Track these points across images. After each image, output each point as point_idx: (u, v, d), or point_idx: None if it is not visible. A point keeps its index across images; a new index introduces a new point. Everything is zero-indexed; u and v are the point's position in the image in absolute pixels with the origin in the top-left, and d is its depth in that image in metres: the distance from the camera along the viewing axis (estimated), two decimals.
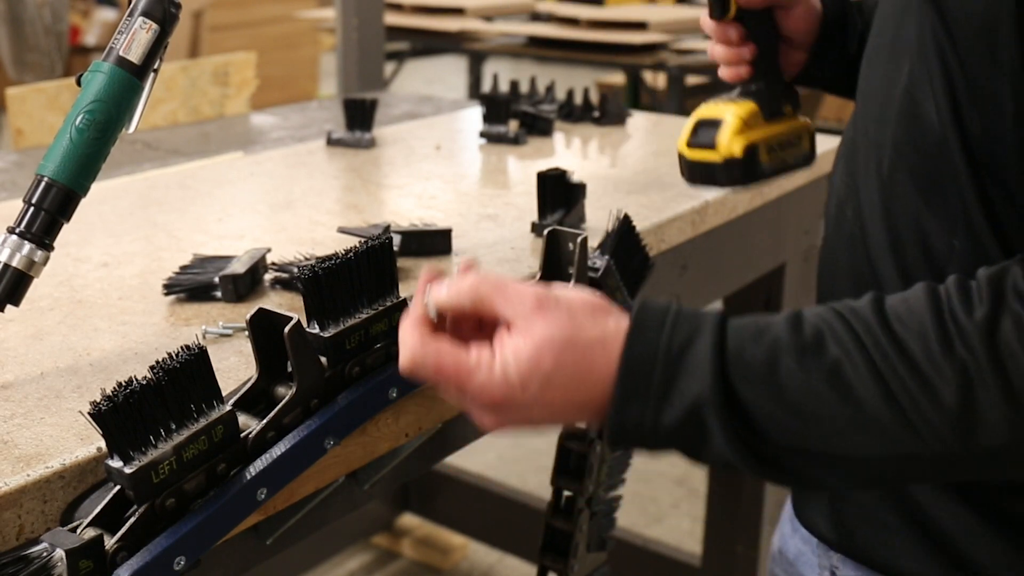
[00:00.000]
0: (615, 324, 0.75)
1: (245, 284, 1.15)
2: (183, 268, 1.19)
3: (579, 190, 1.39)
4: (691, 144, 1.13)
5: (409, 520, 2.78)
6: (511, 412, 0.75)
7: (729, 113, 1.10)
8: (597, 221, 1.40)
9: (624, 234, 1.21)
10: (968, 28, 0.77)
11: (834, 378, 0.69)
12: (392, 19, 4.35)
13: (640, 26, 4.23)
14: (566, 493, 1.28)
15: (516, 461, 3.20)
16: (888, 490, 0.85)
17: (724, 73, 1.14)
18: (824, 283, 1.00)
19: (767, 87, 1.13)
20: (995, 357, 0.67)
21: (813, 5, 1.13)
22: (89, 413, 0.72)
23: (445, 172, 1.71)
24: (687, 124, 1.14)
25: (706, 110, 1.13)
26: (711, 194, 1.57)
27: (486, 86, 2.18)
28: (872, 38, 0.94)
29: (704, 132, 1.11)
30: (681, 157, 1.15)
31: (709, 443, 0.71)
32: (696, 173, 1.14)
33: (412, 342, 0.77)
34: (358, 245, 0.90)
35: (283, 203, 1.52)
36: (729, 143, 1.09)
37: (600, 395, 0.74)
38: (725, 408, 0.70)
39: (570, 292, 0.77)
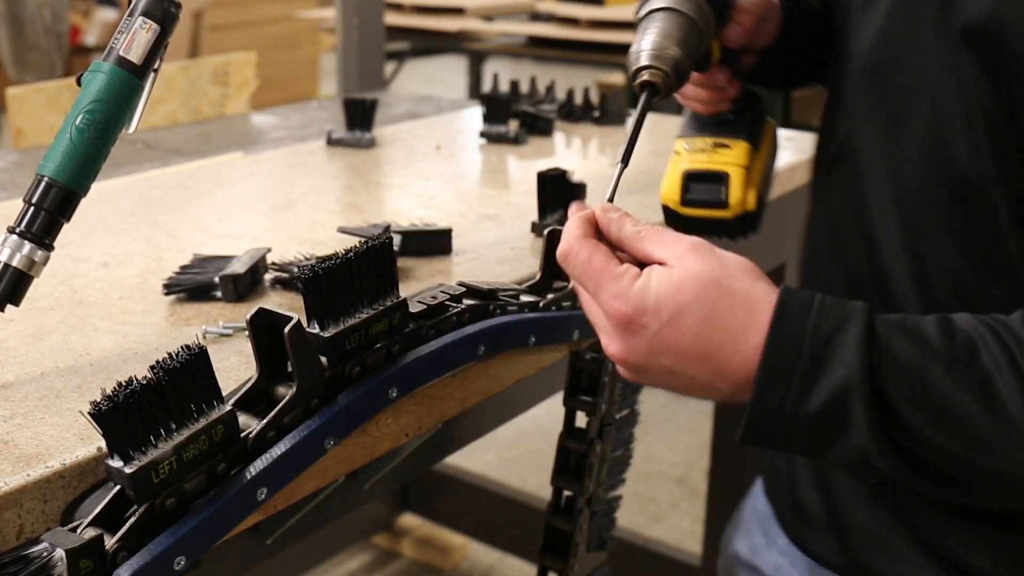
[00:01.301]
0: (765, 290, 0.74)
1: (245, 284, 1.15)
2: (183, 268, 1.19)
3: (579, 190, 1.39)
4: (688, 203, 1.02)
5: (409, 520, 2.78)
6: (637, 338, 0.73)
7: (729, 165, 1.00)
8: None
9: None
10: None
11: (983, 389, 0.69)
12: (392, 19, 4.35)
13: None
14: (566, 493, 1.28)
15: (516, 461, 3.20)
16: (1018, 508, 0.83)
17: (703, 110, 1.05)
18: None
19: (744, 111, 1.05)
20: None
21: (776, 10, 1.05)
22: (89, 413, 0.72)
23: (445, 172, 1.71)
24: (672, 177, 1.03)
25: (693, 160, 1.02)
26: None
27: (486, 86, 2.18)
28: (855, 58, 0.90)
29: (703, 188, 1.01)
30: (674, 214, 1.04)
31: (849, 432, 0.70)
32: (698, 229, 1.03)
33: (575, 233, 0.77)
34: (358, 245, 0.90)
35: (283, 203, 1.52)
36: (743, 200, 1.00)
37: (733, 357, 0.73)
38: (872, 397, 0.69)
39: (727, 251, 0.76)
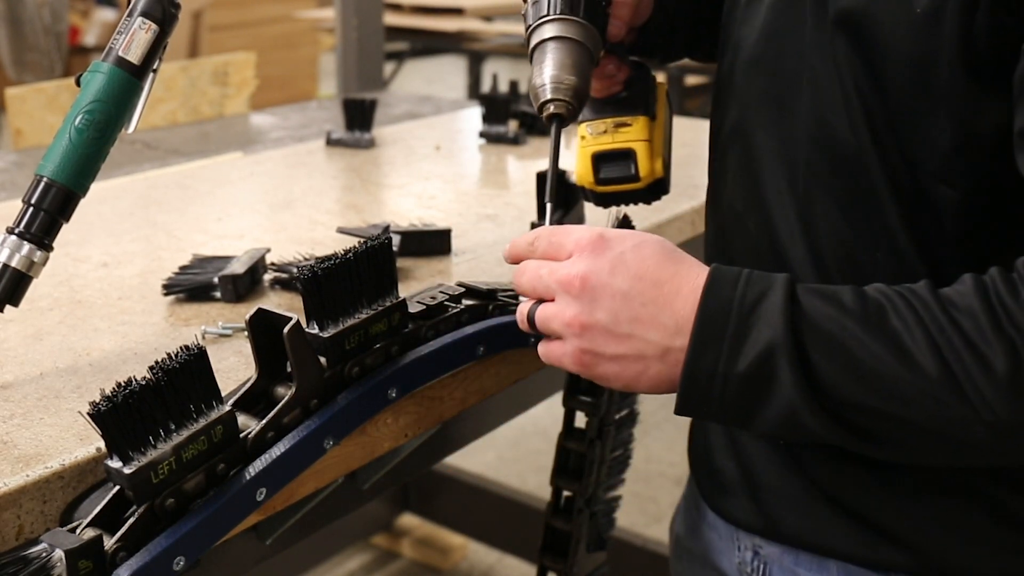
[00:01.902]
0: (698, 263, 0.82)
1: (244, 284, 1.15)
2: (183, 268, 1.19)
3: (578, 190, 1.39)
4: (602, 182, 1.08)
5: (409, 520, 2.78)
6: (600, 257, 0.80)
7: (633, 141, 1.07)
8: (596, 221, 1.40)
9: None
10: (896, 63, 0.80)
11: (896, 345, 0.74)
12: (391, 19, 4.35)
13: None
14: (565, 493, 1.28)
15: (515, 461, 3.20)
16: (940, 465, 0.87)
17: (599, 95, 1.09)
18: None
19: (634, 85, 1.09)
20: None
21: None
22: (88, 413, 0.72)
23: (445, 172, 1.71)
24: (583, 161, 1.09)
25: (598, 143, 1.08)
26: None
27: (485, 86, 2.18)
28: (743, 49, 0.94)
29: (614, 167, 1.07)
30: (591, 193, 1.11)
31: (777, 391, 0.76)
32: (614, 202, 1.11)
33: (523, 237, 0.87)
34: (358, 245, 0.90)
35: (283, 203, 1.52)
36: (651, 170, 1.07)
37: (683, 288, 0.79)
38: (795, 354, 0.75)
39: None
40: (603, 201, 1.12)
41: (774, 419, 0.77)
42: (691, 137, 1.99)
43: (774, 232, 0.92)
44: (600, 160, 1.08)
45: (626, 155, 1.07)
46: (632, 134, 1.07)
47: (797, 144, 0.88)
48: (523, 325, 0.86)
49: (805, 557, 0.95)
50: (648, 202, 1.10)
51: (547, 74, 0.94)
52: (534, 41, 0.96)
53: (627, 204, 1.11)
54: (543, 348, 0.85)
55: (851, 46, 0.82)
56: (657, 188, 1.09)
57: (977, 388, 0.73)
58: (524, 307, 0.86)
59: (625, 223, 1.21)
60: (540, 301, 0.84)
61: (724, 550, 1.04)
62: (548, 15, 0.96)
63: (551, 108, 0.94)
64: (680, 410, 0.81)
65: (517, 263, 0.88)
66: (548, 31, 0.96)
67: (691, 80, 4.45)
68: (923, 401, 0.74)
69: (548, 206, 0.94)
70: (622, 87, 1.09)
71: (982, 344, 0.73)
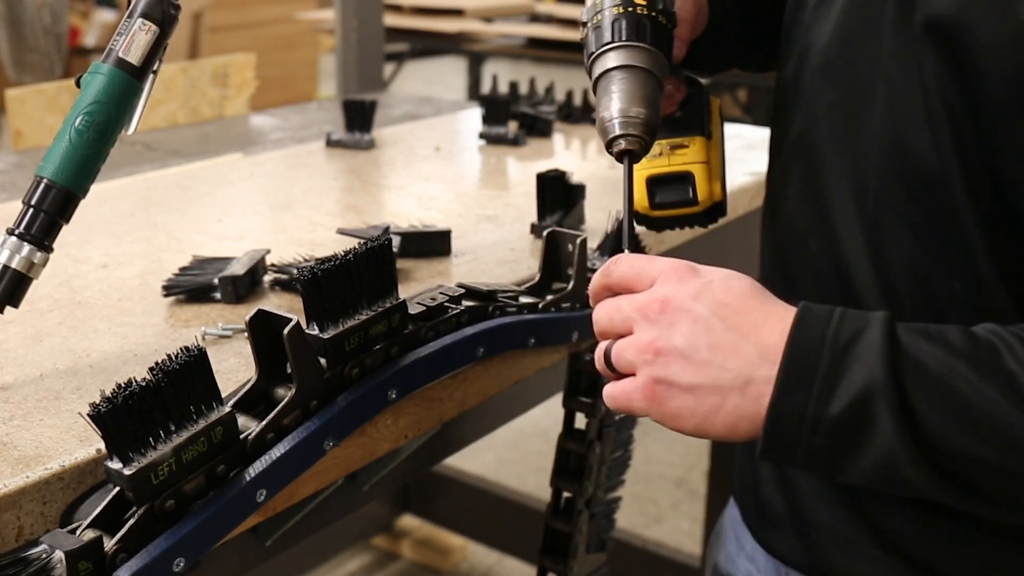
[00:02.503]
0: (780, 303, 0.75)
1: (244, 285, 1.14)
2: (182, 269, 1.19)
3: (578, 191, 1.39)
4: (657, 206, 1.03)
5: (409, 521, 2.78)
6: (687, 283, 0.74)
7: (690, 164, 1.02)
8: (596, 222, 1.40)
9: (623, 235, 1.20)
10: (994, 77, 0.73)
11: (1011, 390, 0.68)
12: (391, 20, 4.34)
13: None
14: (565, 494, 1.28)
15: (515, 462, 3.20)
16: None
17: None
18: None
19: (690, 104, 1.05)
20: None
21: (703, 5, 1.04)
22: (88, 415, 0.72)
23: (445, 173, 1.71)
24: (637, 185, 1.02)
25: (653, 166, 1.02)
26: None
27: (485, 87, 2.18)
28: (813, 54, 0.89)
29: (670, 190, 1.02)
30: (645, 218, 1.05)
31: (874, 438, 0.69)
32: (668, 226, 1.06)
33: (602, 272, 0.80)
34: (357, 247, 0.90)
35: (283, 204, 1.52)
36: (710, 193, 1.02)
37: (770, 319, 0.73)
38: (896, 397, 0.68)
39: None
40: (657, 226, 1.06)
41: (869, 469, 0.70)
42: None
43: (839, 255, 0.85)
44: (655, 184, 1.02)
45: (683, 178, 1.02)
46: (689, 156, 1.02)
47: (868, 160, 0.82)
48: (600, 366, 0.78)
49: None
50: (704, 225, 1.05)
51: (615, 107, 0.87)
52: (598, 71, 0.90)
53: (682, 228, 1.06)
54: (609, 389, 0.77)
55: (940, 58, 0.75)
56: (715, 211, 1.04)
57: None
58: (602, 345, 0.78)
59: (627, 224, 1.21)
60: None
61: None
62: (612, 42, 0.89)
63: (622, 144, 0.87)
64: (764, 454, 0.73)
65: (595, 297, 0.82)
66: (613, 60, 0.89)
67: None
68: None
69: (625, 251, 0.84)
70: (677, 107, 1.04)
71: None
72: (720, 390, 0.73)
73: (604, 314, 0.78)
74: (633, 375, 0.76)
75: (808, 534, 0.94)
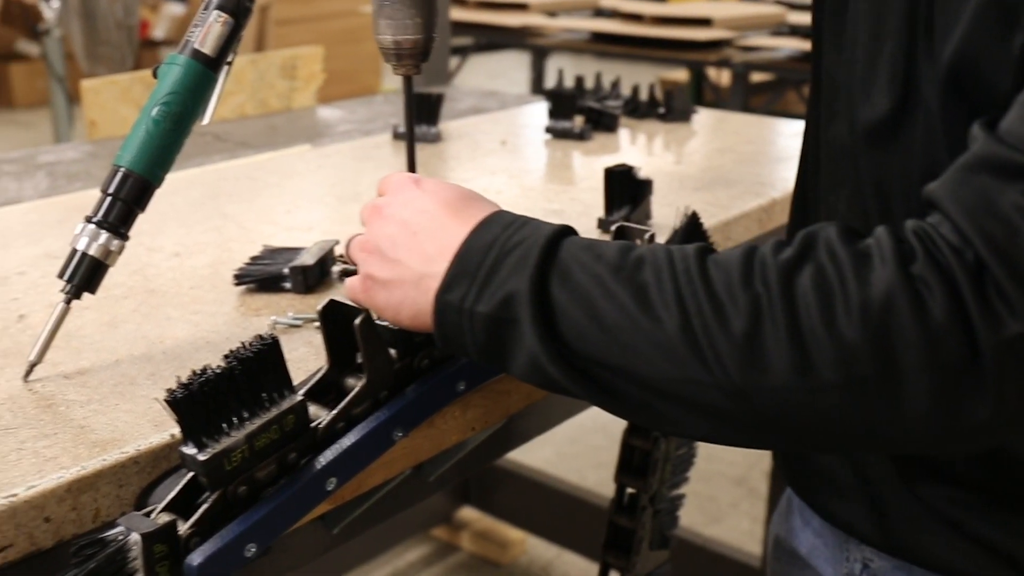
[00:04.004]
0: (484, 208, 0.82)
1: (314, 276, 1.16)
2: (253, 259, 1.20)
3: (646, 186, 1.39)
4: None
5: (468, 513, 2.79)
6: (381, 223, 0.83)
7: None
8: (662, 218, 1.40)
9: (692, 231, 1.20)
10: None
11: (640, 296, 0.70)
12: (456, 14, 4.36)
13: (705, 22, 4.21)
14: (629, 490, 1.27)
15: (574, 457, 3.20)
16: (688, 436, 0.83)
17: None
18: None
19: None
20: (788, 296, 0.67)
21: None
22: (165, 400, 0.73)
23: (510, 167, 1.71)
24: None
25: None
26: (778, 191, 1.56)
27: (548, 82, 2.18)
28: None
29: None
30: None
31: (519, 337, 0.74)
32: None
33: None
34: None
35: (350, 196, 1.53)
36: None
37: (474, 218, 0.80)
38: (536, 302, 0.73)
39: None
40: None
41: (523, 367, 0.75)
42: (756, 134, 1.98)
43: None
44: None
45: None
46: None
47: (910, 176, 0.81)
48: (344, 253, 0.90)
49: (919, 574, 0.90)
50: None
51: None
52: None
53: None
54: (348, 280, 0.87)
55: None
56: None
57: (712, 346, 0.67)
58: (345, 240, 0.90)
59: (693, 219, 1.20)
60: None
61: (830, 558, 1.00)
62: None
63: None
64: (441, 344, 0.80)
65: None
66: None
67: (756, 77, 4.42)
68: (660, 358, 0.69)
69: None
70: None
71: (725, 298, 0.68)
72: (403, 283, 0.81)
73: (363, 207, 0.88)
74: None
75: (876, 507, 0.93)
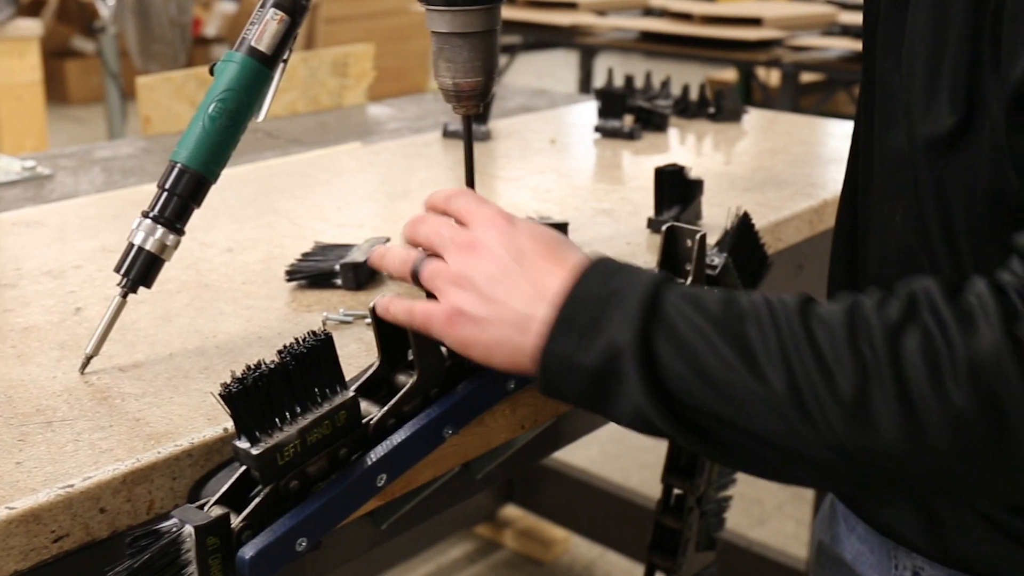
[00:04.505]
0: (579, 254, 0.83)
1: (365, 273, 1.16)
2: (304, 255, 1.21)
3: (697, 186, 1.38)
4: None
5: (512, 511, 2.80)
6: (478, 257, 0.82)
7: None
8: (712, 218, 1.39)
9: (743, 232, 1.19)
10: None
11: (745, 353, 0.71)
12: (506, 12, 4.35)
13: (755, 22, 4.18)
14: (676, 491, 1.27)
15: (619, 457, 3.19)
16: (795, 484, 0.83)
17: None
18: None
19: None
20: (895, 360, 0.67)
21: None
22: (219, 394, 0.74)
23: (560, 166, 1.71)
24: None
25: None
26: (829, 192, 1.55)
27: (596, 81, 2.17)
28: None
29: None
30: None
31: (624, 388, 0.74)
32: None
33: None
34: None
35: (400, 193, 1.54)
36: None
37: (567, 262, 0.80)
38: (642, 355, 0.73)
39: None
40: None
41: (627, 417, 0.76)
42: (808, 135, 1.97)
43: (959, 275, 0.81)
44: None
45: None
46: None
47: (974, 191, 0.80)
48: (403, 269, 0.86)
49: None
50: None
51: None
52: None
53: None
54: (411, 305, 0.84)
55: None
56: None
57: (821, 407, 0.68)
58: (410, 253, 0.87)
59: (745, 220, 1.20)
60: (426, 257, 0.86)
61: (876, 564, 0.99)
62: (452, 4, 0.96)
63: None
64: (542, 389, 0.80)
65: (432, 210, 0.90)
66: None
67: (807, 77, 4.38)
68: (768, 415, 0.70)
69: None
70: None
71: (832, 359, 0.68)
72: (502, 323, 0.80)
73: (425, 232, 0.86)
74: (435, 299, 0.84)
75: (928, 516, 0.92)
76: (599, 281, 0.77)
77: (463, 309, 0.81)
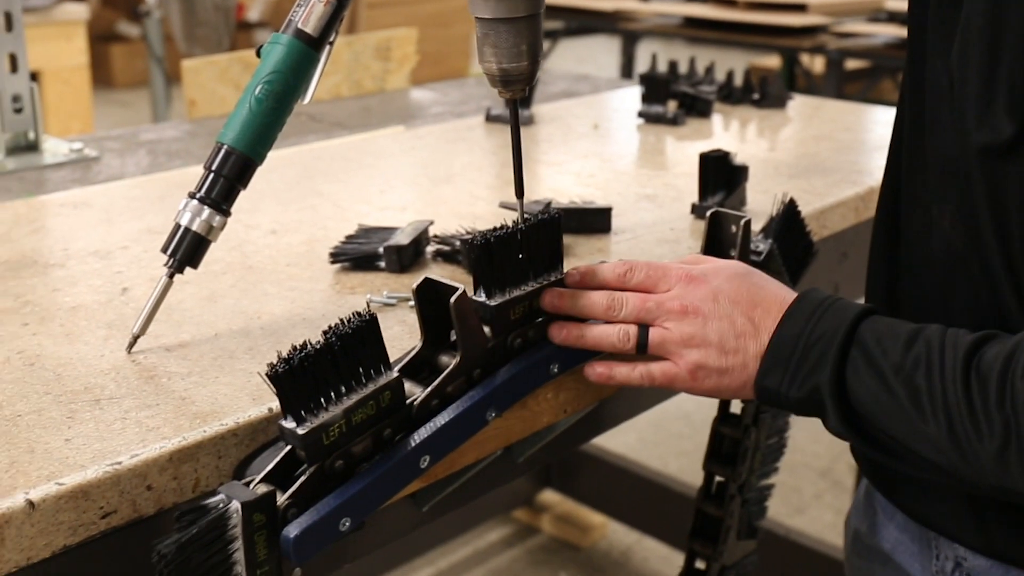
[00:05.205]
0: (777, 291, 0.92)
1: (408, 255, 1.16)
2: (348, 237, 1.22)
3: (741, 172, 1.37)
4: None
5: (550, 496, 2.80)
6: (704, 319, 0.90)
7: None
8: (757, 204, 1.38)
9: (789, 218, 1.18)
10: None
11: (914, 399, 0.82)
12: None
13: (800, 8, 4.14)
14: (718, 478, 1.27)
15: (657, 444, 3.18)
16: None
17: None
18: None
19: None
20: None
21: None
22: (266, 374, 0.75)
23: (603, 151, 1.70)
24: None
25: None
26: (875, 180, 1.53)
27: (639, 67, 2.16)
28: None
29: None
30: None
31: (825, 415, 0.87)
32: None
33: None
34: (529, 218, 0.91)
35: (443, 177, 1.54)
36: None
37: (776, 298, 0.91)
38: (838, 396, 0.86)
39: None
40: None
41: (833, 432, 0.88)
42: (853, 122, 1.95)
43: (998, 290, 0.85)
44: None
45: None
46: None
47: None
48: (628, 343, 0.92)
49: (1016, 574, 0.90)
50: None
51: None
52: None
53: None
54: (650, 369, 0.93)
55: None
56: None
57: (976, 455, 0.79)
58: (630, 329, 0.92)
59: (791, 206, 1.19)
60: (640, 327, 0.93)
61: (917, 554, 0.99)
62: None
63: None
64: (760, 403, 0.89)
65: (590, 287, 0.94)
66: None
67: (851, 64, 4.34)
68: (931, 449, 0.82)
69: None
70: None
71: (983, 417, 0.79)
72: (742, 370, 0.91)
73: (633, 308, 0.93)
74: (667, 359, 0.92)
75: (971, 507, 0.92)
76: (801, 322, 0.88)
77: (704, 364, 0.91)
